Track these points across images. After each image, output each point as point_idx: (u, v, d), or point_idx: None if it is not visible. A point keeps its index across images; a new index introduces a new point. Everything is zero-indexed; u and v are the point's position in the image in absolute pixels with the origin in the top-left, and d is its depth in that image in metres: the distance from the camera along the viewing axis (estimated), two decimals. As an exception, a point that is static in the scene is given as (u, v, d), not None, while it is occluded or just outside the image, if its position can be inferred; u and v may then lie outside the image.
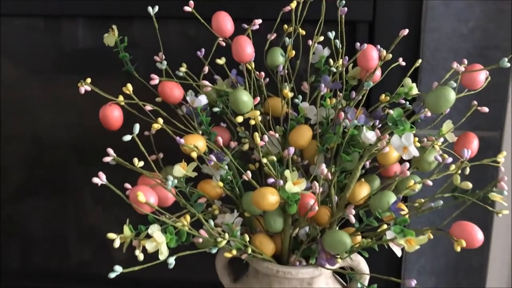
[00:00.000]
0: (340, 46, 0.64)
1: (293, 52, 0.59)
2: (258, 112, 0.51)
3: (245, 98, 0.54)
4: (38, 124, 0.88)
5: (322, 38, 0.64)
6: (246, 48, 0.55)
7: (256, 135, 0.51)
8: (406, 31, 0.58)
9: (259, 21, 0.58)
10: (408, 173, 0.50)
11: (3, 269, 0.94)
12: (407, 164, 0.51)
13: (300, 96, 0.63)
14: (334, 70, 0.64)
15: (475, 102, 0.57)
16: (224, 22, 0.57)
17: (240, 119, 0.52)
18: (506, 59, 0.51)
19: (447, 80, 0.56)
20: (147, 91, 0.60)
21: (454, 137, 0.60)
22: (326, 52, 0.65)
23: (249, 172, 0.53)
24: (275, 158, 0.52)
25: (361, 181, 0.59)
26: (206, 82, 0.56)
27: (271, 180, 0.49)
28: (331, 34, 0.65)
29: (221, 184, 0.55)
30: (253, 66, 0.59)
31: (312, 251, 0.57)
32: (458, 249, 0.46)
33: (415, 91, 0.63)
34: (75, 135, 0.88)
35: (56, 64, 0.85)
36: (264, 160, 0.50)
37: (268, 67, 0.64)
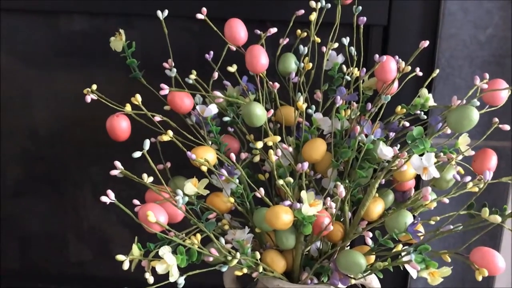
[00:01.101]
0: (356, 54, 0.62)
1: (310, 64, 0.56)
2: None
3: (259, 112, 0.52)
4: (36, 119, 0.85)
5: (336, 45, 0.62)
6: (261, 59, 0.53)
7: (271, 153, 0.49)
8: (426, 43, 0.56)
9: (274, 29, 0.56)
10: (430, 198, 0.49)
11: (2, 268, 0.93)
12: (429, 189, 0.49)
13: (314, 106, 0.61)
14: (349, 78, 0.62)
15: (497, 120, 0.56)
16: (238, 30, 0.54)
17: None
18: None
19: (470, 98, 0.54)
20: (151, 94, 0.58)
21: (471, 151, 0.58)
22: (340, 59, 0.63)
23: (262, 189, 0.51)
24: (291, 180, 0.50)
25: (376, 197, 0.57)
26: (218, 93, 0.54)
27: (287, 203, 0.47)
28: (346, 40, 0.62)
29: (232, 200, 0.53)
30: (265, 73, 0.57)
31: (324, 269, 0.55)
32: (480, 278, 0.45)
33: (431, 102, 0.61)
34: (75, 130, 0.85)
35: (53, 58, 0.82)
36: (281, 182, 0.48)
37: (280, 74, 0.62)
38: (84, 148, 0.85)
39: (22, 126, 0.85)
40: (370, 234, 0.52)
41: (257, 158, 0.59)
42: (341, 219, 0.57)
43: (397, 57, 0.58)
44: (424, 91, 0.61)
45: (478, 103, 0.51)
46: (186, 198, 0.48)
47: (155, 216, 0.47)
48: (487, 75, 0.56)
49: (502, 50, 0.71)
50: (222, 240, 0.50)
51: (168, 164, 0.60)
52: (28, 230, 0.91)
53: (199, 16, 0.54)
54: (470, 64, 0.72)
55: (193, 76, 0.58)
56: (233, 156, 0.52)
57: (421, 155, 0.51)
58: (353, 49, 0.62)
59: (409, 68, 0.56)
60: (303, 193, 0.47)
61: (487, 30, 0.70)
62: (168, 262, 0.45)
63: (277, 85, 0.56)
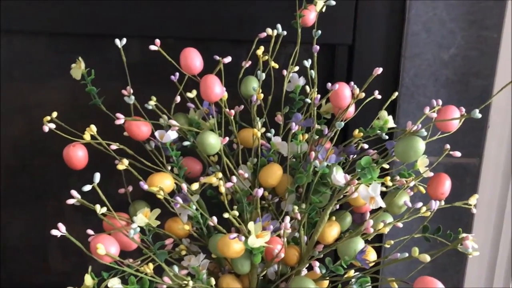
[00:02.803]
0: (315, 77, 0.63)
1: (262, 95, 0.57)
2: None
3: (212, 141, 0.53)
4: (15, 130, 0.86)
5: (297, 68, 0.63)
6: (214, 89, 0.54)
7: (221, 184, 0.50)
8: (380, 70, 0.57)
9: (228, 59, 0.57)
10: (372, 230, 0.49)
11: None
12: (371, 222, 0.50)
13: (273, 130, 0.62)
14: (309, 101, 0.62)
15: (448, 146, 0.56)
16: (193, 59, 0.55)
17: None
18: (477, 111, 0.49)
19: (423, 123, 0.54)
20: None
21: (430, 172, 0.59)
22: (302, 81, 0.64)
23: (214, 218, 0.52)
24: (236, 213, 0.51)
25: (331, 221, 0.58)
26: (174, 122, 0.55)
27: (233, 236, 0.48)
28: (307, 63, 0.63)
29: (187, 227, 0.54)
30: (226, 98, 0.57)
31: (279, 293, 0.56)
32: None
33: (391, 124, 0.62)
34: (54, 141, 0.86)
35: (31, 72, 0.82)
36: (226, 215, 0.49)
37: (242, 96, 0.63)
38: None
39: (2, 138, 0.86)
40: (317, 264, 0.53)
41: (215, 182, 0.60)
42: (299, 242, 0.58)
43: (352, 83, 0.59)
44: (383, 113, 0.62)
45: (425, 133, 0.51)
46: (138, 229, 0.49)
47: (106, 247, 0.48)
48: (440, 102, 0.56)
49: (466, 69, 0.72)
50: (176, 268, 0.52)
51: (130, 188, 0.61)
52: (9, 242, 0.92)
53: (152, 47, 0.54)
54: (434, 83, 0.72)
55: (152, 102, 0.59)
56: (184, 186, 0.52)
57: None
58: (313, 72, 0.63)
59: (363, 94, 0.57)
60: (250, 225, 0.48)
61: (450, 50, 0.71)
62: (116, 293, 0.46)
63: (232, 112, 0.57)
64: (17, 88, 0.82)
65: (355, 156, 0.61)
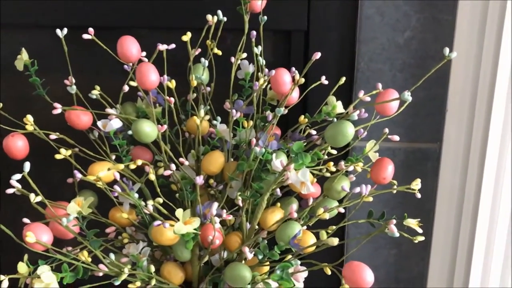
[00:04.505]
0: (264, 63, 0.62)
1: (195, 82, 0.57)
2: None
3: (148, 129, 0.53)
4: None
5: (245, 55, 0.63)
6: (150, 76, 0.54)
7: (151, 171, 0.50)
8: (318, 55, 0.56)
9: (172, 45, 0.57)
10: (295, 214, 0.49)
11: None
12: (294, 206, 0.50)
13: (219, 118, 0.62)
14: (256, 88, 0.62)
15: (387, 130, 0.56)
16: (129, 47, 0.55)
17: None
18: (406, 93, 0.49)
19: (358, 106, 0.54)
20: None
21: (377, 156, 0.59)
22: (252, 68, 0.64)
23: (150, 206, 0.52)
24: (160, 200, 0.51)
25: (275, 207, 0.58)
26: (111, 110, 0.55)
27: (157, 223, 0.48)
28: (257, 50, 0.63)
29: (125, 215, 0.54)
30: (174, 86, 0.57)
31: (220, 279, 0.56)
32: (343, 294, 0.46)
33: (339, 109, 0.61)
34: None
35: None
36: (150, 202, 0.49)
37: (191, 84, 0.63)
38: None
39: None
40: (247, 249, 0.53)
41: (161, 171, 0.60)
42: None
43: (293, 68, 0.58)
44: (331, 98, 0.61)
45: (356, 118, 0.51)
46: (71, 217, 0.50)
47: (38, 235, 0.48)
48: (379, 85, 0.56)
49: (422, 52, 0.71)
50: (112, 256, 0.52)
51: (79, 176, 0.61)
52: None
53: (86, 36, 0.54)
54: (390, 67, 0.72)
55: (96, 91, 0.59)
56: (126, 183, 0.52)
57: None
58: (261, 59, 0.62)
59: (303, 80, 0.56)
60: (178, 212, 0.48)
61: (405, 33, 0.70)
62: (45, 281, 0.47)
63: (172, 100, 0.56)
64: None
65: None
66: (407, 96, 0.48)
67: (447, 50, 0.49)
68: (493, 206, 0.70)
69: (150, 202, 0.49)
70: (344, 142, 0.49)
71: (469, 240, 0.72)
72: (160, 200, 0.50)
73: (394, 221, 0.49)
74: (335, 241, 0.46)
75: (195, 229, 0.49)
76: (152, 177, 0.50)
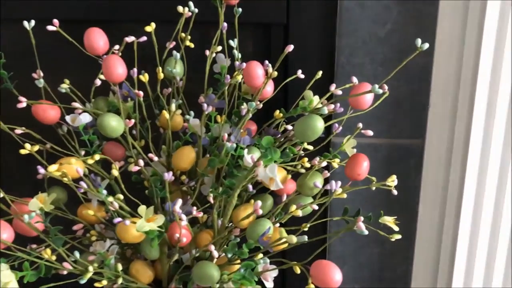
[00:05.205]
0: (239, 57, 0.61)
1: (162, 75, 0.55)
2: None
3: (113, 123, 0.52)
4: None
5: (220, 48, 0.61)
6: (116, 69, 0.52)
7: (114, 167, 0.48)
8: (291, 47, 0.55)
9: (144, 38, 0.55)
10: (260, 211, 0.48)
11: None
12: (259, 203, 0.48)
13: (192, 113, 0.60)
14: (232, 82, 0.60)
15: (360, 125, 0.54)
16: (96, 40, 0.53)
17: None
18: (377, 86, 0.47)
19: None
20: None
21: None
22: (228, 62, 0.62)
23: (115, 203, 0.50)
24: (121, 197, 0.49)
25: (247, 204, 0.56)
26: (78, 104, 0.54)
27: (117, 220, 0.46)
28: (233, 43, 0.61)
29: (91, 212, 0.53)
30: (147, 79, 0.56)
31: (190, 278, 0.55)
32: (308, 293, 0.44)
33: (322, 108, 0.59)
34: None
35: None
36: (110, 199, 0.48)
37: (165, 77, 0.62)
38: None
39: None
40: (213, 247, 0.51)
41: (131, 166, 0.58)
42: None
43: (266, 61, 0.57)
44: (308, 93, 0.60)
45: (326, 111, 0.49)
46: (34, 214, 0.48)
47: (-2, 233, 0.47)
48: (354, 78, 0.54)
49: (404, 46, 0.69)
50: (77, 254, 0.50)
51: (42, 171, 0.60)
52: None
53: (50, 28, 0.53)
54: (371, 61, 0.70)
55: (65, 85, 0.58)
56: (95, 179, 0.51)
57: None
58: (236, 52, 0.61)
59: (276, 73, 0.55)
60: (141, 209, 0.46)
61: (386, 26, 0.68)
62: (2, 280, 0.45)
63: (141, 93, 0.55)
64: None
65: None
66: (378, 89, 0.47)
67: (419, 41, 0.47)
68: (476, 203, 0.68)
69: (111, 199, 0.47)
70: (314, 137, 0.47)
71: (452, 239, 0.70)
72: (121, 196, 0.49)
73: (362, 218, 0.47)
74: (294, 239, 0.44)
75: (160, 227, 0.48)
76: (115, 172, 0.49)
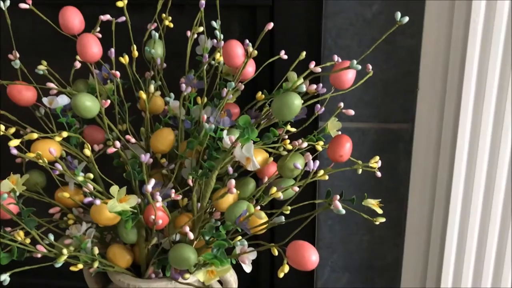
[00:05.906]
0: (220, 38, 0.60)
1: (136, 53, 0.54)
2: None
3: (87, 103, 0.50)
4: None
5: (201, 29, 0.60)
6: (91, 48, 0.51)
7: (87, 147, 0.47)
8: (270, 25, 0.53)
9: (122, 18, 0.54)
10: (235, 191, 0.46)
11: None
12: (233, 182, 0.47)
13: (172, 94, 0.59)
14: (213, 63, 0.59)
15: (341, 104, 0.53)
16: (71, 18, 0.52)
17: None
18: (355, 62, 0.46)
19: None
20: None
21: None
22: (210, 43, 0.61)
23: (89, 185, 0.49)
24: (91, 176, 0.48)
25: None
26: (52, 85, 0.52)
27: (88, 199, 0.45)
28: (216, 24, 0.60)
29: (67, 195, 0.52)
30: (127, 61, 0.55)
31: (168, 262, 0.54)
32: (281, 275, 0.43)
33: (301, 85, 0.58)
34: None
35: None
36: (80, 178, 0.46)
37: (146, 60, 0.61)
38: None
39: None
40: (187, 228, 0.50)
41: (111, 150, 0.57)
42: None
43: (247, 40, 0.55)
44: (292, 74, 0.58)
45: (304, 89, 0.48)
46: (6, 195, 0.47)
47: (-32, 214, 0.46)
48: (335, 57, 0.53)
49: (391, 27, 0.67)
50: (51, 237, 0.49)
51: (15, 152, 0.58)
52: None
53: (23, 5, 0.52)
54: (359, 44, 0.68)
55: (42, 66, 0.57)
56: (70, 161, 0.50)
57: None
58: (218, 33, 0.60)
59: (256, 52, 0.53)
60: (113, 189, 0.45)
61: (373, 7, 0.67)
62: (-28, 261, 0.44)
63: (118, 73, 0.54)
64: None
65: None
66: (356, 65, 0.45)
67: (398, 14, 0.46)
68: (466, 188, 0.67)
69: (80, 178, 0.46)
70: (291, 115, 0.46)
71: (442, 224, 0.69)
72: (91, 175, 0.48)
73: (338, 197, 0.46)
74: (262, 215, 0.43)
75: (134, 208, 0.47)
76: (87, 152, 0.47)
